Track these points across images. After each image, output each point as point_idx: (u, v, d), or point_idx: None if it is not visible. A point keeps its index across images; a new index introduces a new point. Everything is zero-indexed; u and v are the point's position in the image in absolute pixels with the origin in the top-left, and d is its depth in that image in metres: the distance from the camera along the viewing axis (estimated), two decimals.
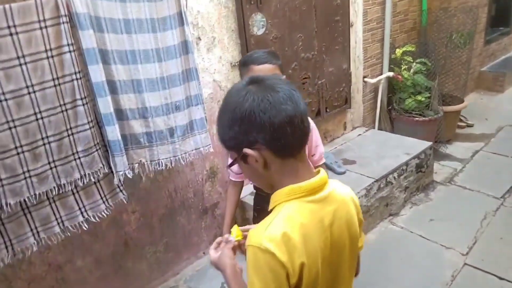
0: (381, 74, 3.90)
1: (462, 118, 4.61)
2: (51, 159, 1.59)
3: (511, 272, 2.38)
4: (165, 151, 1.93)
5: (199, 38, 2.30)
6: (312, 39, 3.03)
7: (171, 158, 1.96)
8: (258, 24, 2.58)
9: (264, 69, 1.47)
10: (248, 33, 2.51)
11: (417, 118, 3.77)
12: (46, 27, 1.47)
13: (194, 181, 2.48)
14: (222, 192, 2.67)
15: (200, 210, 2.57)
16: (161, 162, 1.92)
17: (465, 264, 2.50)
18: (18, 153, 1.51)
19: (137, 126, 1.83)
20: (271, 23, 2.66)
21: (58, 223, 1.68)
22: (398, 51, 3.87)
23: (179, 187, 2.40)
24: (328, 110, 3.38)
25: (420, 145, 3.35)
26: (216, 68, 2.42)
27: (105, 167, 1.74)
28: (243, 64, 1.55)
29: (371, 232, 2.92)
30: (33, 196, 1.57)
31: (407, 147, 3.33)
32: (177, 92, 1.90)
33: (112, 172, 1.77)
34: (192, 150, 2.02)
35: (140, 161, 1.88)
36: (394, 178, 3.04)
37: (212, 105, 2.45)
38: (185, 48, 1.88)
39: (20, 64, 1.44)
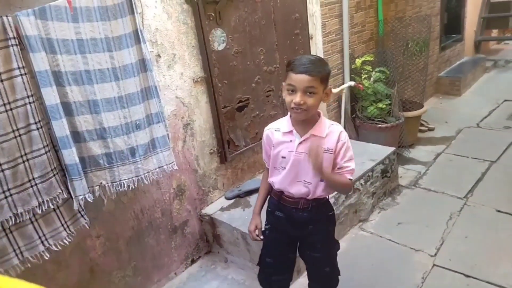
0: (343, 83, 4.00)
1: (423, 122, 4.78)
2: (5, 188, 1.52)
3: (477, 269, 2.45)
4: (126, 171, 1.88)
5: (159, 55, 2.28)
6: (273, 52, 3.08)
7: (134, 178, 1.91)
8: (218, 39, 2.60)
9: (300, 79, 1.48)
10: (208, 48, 2.52)
11: (379, 125, 3.87)
12: (2, 48, 1.42)
13: (161, 200, 2.43)
14: (191, 209, 2.63)
15: (169, 230, 2.52)
16: (123, 183, 1.88)
17: (434, 265, 2.56)
18: None
19: (96, 148, 1.78)
20: (231, 38, 2.68)
21: (17, 254, 1.60)
22: (358, 61, 3.99)
23: (145, 208, 2.35)
24: None
25: (384, 150, 3.43)
26: (178, 84, 2.40)
27: (64, 192, 1.68)
28: (287, 66, 1.57)
29: (342, 239, 2.94)
30: None
31: (372, 153, 3.41)
32: (137, 110, 1.87)
33: (71, 197, 1.71)
34: (155, 169, 1.99)
35: (101, 183, 1.83)
36: (361, 184, 3.10)
37: (175, 122, 2.42)
38: (143, 66, 1.86)
39: None
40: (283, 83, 1.58)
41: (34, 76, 1.54)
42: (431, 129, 4.81)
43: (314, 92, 1.50)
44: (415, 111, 4.37)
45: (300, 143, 1.61)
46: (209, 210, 2.71)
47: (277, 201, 1.75)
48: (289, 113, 1.66)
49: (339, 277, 1.91)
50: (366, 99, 3.94)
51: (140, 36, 1.82)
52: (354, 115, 4.15)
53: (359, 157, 3.35)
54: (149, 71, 1.88)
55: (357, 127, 4.11)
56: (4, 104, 1.48)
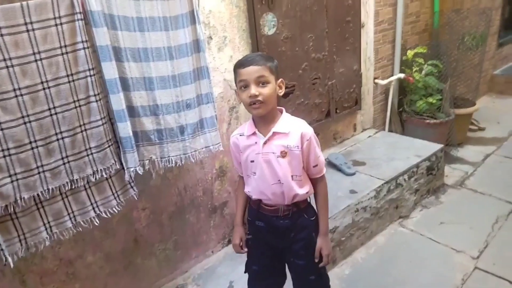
0: (392, 75, 3.88)
1: (473, 121, 4.57)
2: (64, 155, 1.61)
3: None
4: (175, 149, 1.94)
5: (211, 37, 2.31)
6: (323, 40, 3.03)
7: (181, 156, 1.97)
8: (269, 24, 2.59)
9: (249, 71, 1.50)
10: (259, 32, 2.52)
11: (428, 121, 3.74)
12: (61, 24, 1.49)
13: (203, 179, 2.49)
14: (231, 191, 2.68)
15: (209, 209, 2.58)
16: (171, 159, 1.94)
17: (476, 268, 2.47)
18: (32, 148, 1.53)
19: (148, 123, 1.84)
20: (282, 23, 2.67)
21: (70, 218, 1.70)
22: (410, 53, 3.85)
23: (188, 185, 2.42)
24: (338, 111, 3.37)
25: (431, 147, 3.32)
26: (227, 67, 2.43)
27: (116, 163, 1.76)
28: (234, 69, 1.60)
29: (381, 234, 2.90)
30: (46, 190, 1.60)
31: (418, 149, 3.31)
32: (188, 90, 1.91)
33: (123, 168, 1.79)
34: (202, 148, 2.03)
35: (151, 158, 1.89)
36: (404, 180, 3.02)
37: (222, 104, 2.46)
38: (196, 46, 1.89)
39: (36, 60, 1.46)
40: (235, 88, 1.58)
41: (96, 50, 1.61)
42: (482, 129, 4.59)
43: (266, 81, 1.51)
44: (467, 108, 4.19)
45: (265, 143, 1.59)
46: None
47: (256, 210, 1.71)
48: (251, 117, 1.66)
49: (329, 284, 1.83)
50: (416, 93, 3.81)
51: (196, 17, 1.84)
52: (401, 109, 4.04)
53: (404, 152, 3.27)
54: (202, 51, 1.91)
55: (404, 121, 4.00)
56: (68, 76, 1.56)
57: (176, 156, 1.95)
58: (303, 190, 1.64)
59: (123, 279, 2.22)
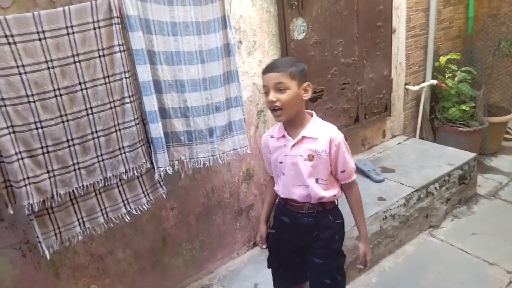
0: (424, 81, 3.81)
1: (508, 130, 4.40)
2: (99, 153, 1.68)
3: None
4: (204, 150, 1.98)
5: (241, 42, 2.35)
6: (353, 45, 3.02)
7: (210, 157, 2.00)
8: (298, 29, 2.61)
9: (269, 77, 1.54)
10: (288, 37, 2.54)
11: (461, 128, 3.64)
12: (99, 27, 1.56)
13: (230, 182, 2.52)
14: (257, 194, 2.69)
15: (235, 211, 2.61)
16: (200, 160, 1.97)
17: (511, 282, 2.38)
18: (69, 146, 1.60)
19: (178, 125, 1.89)
20: (311, 28, 2.68)
21: (103, 214, 1.77)
22: (442, 59, 3.77)
23: (216, 187, 2.45)
24: (367, 116, 3.33)
25: (464, 156, 3.23)
26: (256, 71, 2.46)
27: (147, 162, 1.81)
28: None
29: (409, 243, 2.84)
30: (81, 187, 1.67)
31: (450, 157, 3.22)
32: (218, 93, 1.95)
33: (153, 167, 1.84)
34: (230, 151, 2.06)
35: (180, 158, 1.94)
36: (435, 188, 2.95)
37: (250, 108, 2.49)
38: (227, 50, 1.93)
39: (75, 62, 1.54)
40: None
41: (131, 54, 1.67)
42: None
43: (285, 88, 1.51)
44: (502, 116, 4.04)
45: (293, 145, 1.61)
46: None
47: (282, 205, 1.76)
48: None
49: None
50: (448, 100, 3.72)
51: (227, 22, 1.88)
52: (433, 116, 3.94)
53: (436, 160, 3.20)
54: (232, 55, 1.95)
55: (435, 128, 3.90)
56: (104, 77, 1.62)
57: (205, 157, 1.99)
58: (328, 193, 1.65)
59: (150, 276, 2.27)
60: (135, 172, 1.78)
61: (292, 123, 1.63)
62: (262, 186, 2.71)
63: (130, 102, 1.70)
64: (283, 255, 1.84)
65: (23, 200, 1.52)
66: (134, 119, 1.72)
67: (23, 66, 1.43)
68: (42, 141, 1.53)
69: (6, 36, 1.38)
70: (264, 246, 1.88)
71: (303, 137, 1.61)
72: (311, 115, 1.66)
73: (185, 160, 1.96)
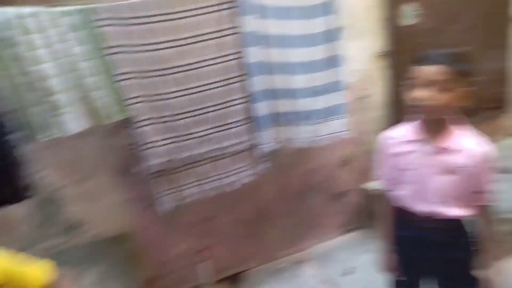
0: None
1: None
2: (214, 125, 1.91)
3: None
4: (306, 131, 2.08)
5: (345, 27, 2.38)
6: (468, 33, 2.81)
7: (311, 139, 2.10)
8: (408, 14, 2.54)
9: (427, 71, 1.24)
10: (396, 23, 2.49)
11: None
12: (218, 11, 1.78)
13: (328, 165, 2.59)
14: (354, 181, 2.72)
15: (332, 195, 2.67)
16: (302, 141, 2.09)
17: None
18: (185, 117, 1.87)
19: (284, 105, 2.03)
20: (424, 13, 2.58)
21: (213, 181, 2.01)
22: None
23: (314, 169, 2.55)
24: (481, 111, 3.07)
25: None
26: (359, 57, 2.47)
27: (254, 138, 2.00)
28: (412, 61, 1.32)
29: None
30: (195, 154, 1.92)
31: None
32: (321, 77, 2.04)
33: (259, 144, 2.01)
34: (330, 134, 2.13)
35: (283, 137, 2.08)
36: None
37: (351, 94, 2.51)
38: (332, 35, 2.00)
39: (194, 43, 1.77)
40: (405, 82, 1.33)
41: (243, 36, 1.85)
42: None
43: (445, 88, 1.22)
44: None
45: (432, 154, 1.34)
46: (371, 186, 2.75)
47: (405, 220, 1.49)
48: (415, 120, 1.41)
49: None
50: None
51: (333, 7, 1.95)
52: None
53: None
54: (337, 40, 2.02)
55: None
56: (218, 57, 1.84)
57: (306, 138, 2.10)
58: (465, 212, 1.39)
59: (247, 244, 2.48)
60: (242, 146, 1.97)
61: (433, 128, 1.34)
62: (359, 173, 2.73)
63: (239, 82, 1.89)
64: (411, 276, 1.59)
65: (146, 161, 1.82)
66: (242, 97, 1.91)
67: (153, 43, 1.70)
68: (168, 111, 1.81)
69: (138, 17, 1.66)
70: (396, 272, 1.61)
71: (444, 148, 1.33)
72: (459, 123, 1.35)
73: (287, 140, 2.09)
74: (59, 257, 1.96)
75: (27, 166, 1.55)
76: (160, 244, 2.24)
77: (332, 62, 2.06)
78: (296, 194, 2.54)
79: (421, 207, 1.41)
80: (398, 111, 2.67)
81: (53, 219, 1.99)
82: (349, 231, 2.80)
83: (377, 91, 2.61)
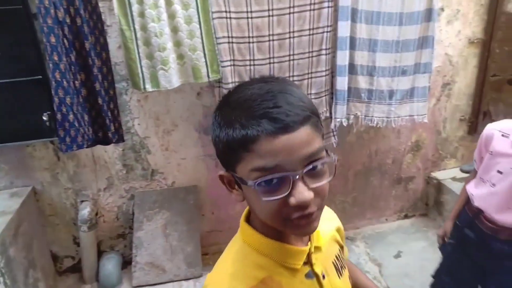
0: None
1: None
2: None
3: None
4: (380, 110, 2.06)
5: (442, 9, 2.25)
6: None
7: (384, 119, 2.08)
8: None
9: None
10: (499, 9, 2.31)
11: None
12: None
13: (396, 149, 2.55)
14: (421, 168, 2.66)
15: (394, 179, 2.65)
16: (374, 119, 2.08)
17: None
18: None
19: (362, 82, 2.01)
20: None
21: None
22: None
23: (380, 150, 2.52)
24: None
25: None
26: (452, 41, 2.34)
27: (327, 111, 2.01)
28: None
29: None
30: None
31: None
32: (408, 57, 1.98)
33: (331, 117, 2.03)
34: (406, 116, 2.10)
35: (356, 114, 2.07)
36: None
37: (436, 78, 2.40)
38: (428, 15, 1.92)
39: (290, 13, 1.78)
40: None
41: (336, 10, 1.83)
42: None
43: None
44: None
45: None
46: (439, 175, 2.68)
47: (471, 218, 1.40)
48: None
49: None
50: None
51: None
52: None
53: None
54: (432, 21, 1.93)
55: None
56: (310, 29, 1.84)
57: (379, 117, 2.08)
58: None
59: None
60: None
61: None
62: (428, 161, 2.66)
63: (326, 54, 1.89)
64: (458, 277, 1.52)
65: None
66: (325, 70, 1.92)
67: (251, 11, 1.74)
68: (252, 76, 1.86)
69: None
70: (441, 242, 1.59)
71: None
72: None
73: (360, 117, 2.08)
74: (138, 198, 2.18)
75: (125, 114, 1.71)
76: (223, 202, 2.37)
77: (424, 43, 1.99)
78: (358, 173, 2.54)
79: (499, 217, 1.32)
80: (481, 102, 2.53)
81: (137, 163, 2.18)
82: (405, 217, 2.78)
83: (463, 79, 2.47)
